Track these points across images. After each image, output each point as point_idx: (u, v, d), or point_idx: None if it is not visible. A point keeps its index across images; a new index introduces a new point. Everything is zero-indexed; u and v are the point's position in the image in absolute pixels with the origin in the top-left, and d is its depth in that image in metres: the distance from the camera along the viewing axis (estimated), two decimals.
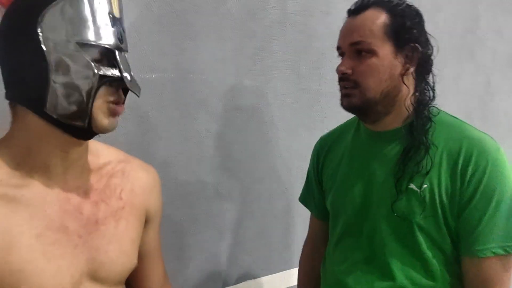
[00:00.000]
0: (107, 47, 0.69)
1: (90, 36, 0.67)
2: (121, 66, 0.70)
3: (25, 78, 0.68)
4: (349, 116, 1.05)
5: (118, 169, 0.84)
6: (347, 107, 0.96)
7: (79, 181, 0.76)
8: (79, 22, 0.67)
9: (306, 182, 1.20)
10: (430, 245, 0.91)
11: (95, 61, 0.68)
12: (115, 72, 0.69)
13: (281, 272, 1.49)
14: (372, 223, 0.96)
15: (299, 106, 1.48)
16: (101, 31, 0.68)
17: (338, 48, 0.97)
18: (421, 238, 0.90)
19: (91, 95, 0.68)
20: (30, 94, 0.68)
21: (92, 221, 0.76)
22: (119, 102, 0.72)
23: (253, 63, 1.36)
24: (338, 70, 0.95)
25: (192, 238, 1.30)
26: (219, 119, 1.31)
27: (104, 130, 0.72)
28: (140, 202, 0.85)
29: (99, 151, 0.83)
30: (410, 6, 0.93)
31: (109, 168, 0.83)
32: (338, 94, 1.62)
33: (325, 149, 1.12)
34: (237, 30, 1.31)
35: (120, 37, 0.71)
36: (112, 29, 0.70)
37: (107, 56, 0.69)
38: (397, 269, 0.93)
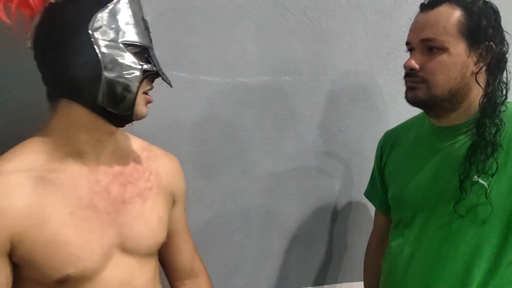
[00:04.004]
0: (145, 46, 0.81)
1: (133, 37, 0.80)
2: (156, 61, 0.83)
3: (78, 76, 0.77)
4: None
5: (144, 156, 0.94)
6: (411, 100, 0.95)
7: (109, 165, 0.87)
8: (124, 26, 0.79)
9: (371, 177, 1.20)
10: (493, 245, 0.88)
11: (137, 57, 0.80)
12: (152, 66, 0.81)
13: None
14: (430, 218, 0.95)
15: None
16: (140, 33, 0.81)
17: (408, 43, 0.96)
18: (481, 237, 0.88)
19: (137, 87, 0.79)
20: (83, 89, 0.78)
21: (119, 200, 0.86)
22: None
23: (386, 63, 1.37)
24: (405, 65, 0.94)
25: (316, 230, 1.39)
26: (349, 117, 1.37)
27: (141, 117, 0.84)
28: (166, 184, 0.95)
29: (126, 140, 0.94)
30: (486, 3, 0.90)
31: (135, 155, 0.93)
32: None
33: (389, 144, 1.11)
34: (370, 31, 1.34)
35: (150, 38, 0.84)
36: (146, 31, 0.83)
37: (144, 54, 0.82)
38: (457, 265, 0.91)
